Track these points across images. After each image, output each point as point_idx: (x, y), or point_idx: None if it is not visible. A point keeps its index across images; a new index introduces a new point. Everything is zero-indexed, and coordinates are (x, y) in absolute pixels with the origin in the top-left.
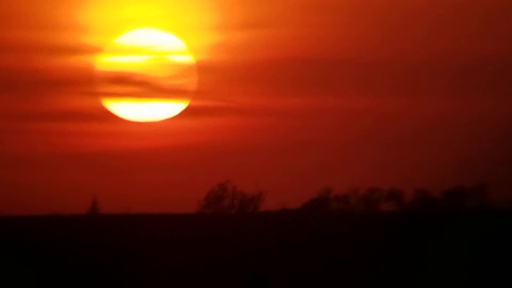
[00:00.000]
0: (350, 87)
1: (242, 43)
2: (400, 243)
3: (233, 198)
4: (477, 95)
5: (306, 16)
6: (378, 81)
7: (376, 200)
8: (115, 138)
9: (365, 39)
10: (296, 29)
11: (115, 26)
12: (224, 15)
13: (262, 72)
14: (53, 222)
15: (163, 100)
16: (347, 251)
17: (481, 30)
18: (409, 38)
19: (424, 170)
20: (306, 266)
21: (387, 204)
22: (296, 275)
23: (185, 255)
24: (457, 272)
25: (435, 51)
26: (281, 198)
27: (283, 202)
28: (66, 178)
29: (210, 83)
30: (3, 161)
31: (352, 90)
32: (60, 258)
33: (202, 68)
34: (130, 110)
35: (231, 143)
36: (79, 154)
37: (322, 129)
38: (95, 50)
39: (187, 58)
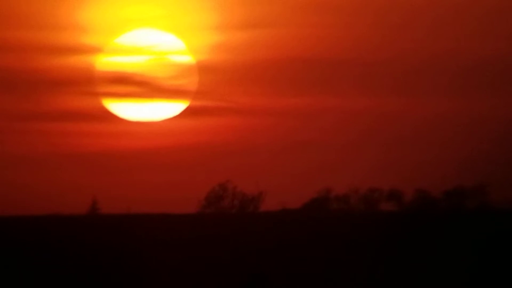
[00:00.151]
0: (350, 87)
1: (242, 43)
2: (400, 243)
3: (233, 198)
4: (477, 95)
5: (306, 16)
6: (378, 81)
7: (376, 200)
8: (115, 138)
9: (365, 39)
10: (296, 29)
11: (115, 26)
12: (224, 15)
13: (262, 72)
14: (53, 222)
15: (163, 100)
16: (347, 251)
17: (481, 30)
18: (409, 38)
19: (424, 170)
20: (306, 266)
21: (387, 204)
22: (296, 275)
23: (185, 255)
24: (457, 272)
25: (435, 51)
26: (281, 198)
27: (283, 202)
28: (66, 178)
29: (210, 83)
30: (3, 161)
31: (352, 90)
32: (60, 258)
33: (202, 68)
34: (130, 110)
35: (231, 143)
36: (79, 154)
37: (322, 129)
38: (95, 50)
39: (187, 58)
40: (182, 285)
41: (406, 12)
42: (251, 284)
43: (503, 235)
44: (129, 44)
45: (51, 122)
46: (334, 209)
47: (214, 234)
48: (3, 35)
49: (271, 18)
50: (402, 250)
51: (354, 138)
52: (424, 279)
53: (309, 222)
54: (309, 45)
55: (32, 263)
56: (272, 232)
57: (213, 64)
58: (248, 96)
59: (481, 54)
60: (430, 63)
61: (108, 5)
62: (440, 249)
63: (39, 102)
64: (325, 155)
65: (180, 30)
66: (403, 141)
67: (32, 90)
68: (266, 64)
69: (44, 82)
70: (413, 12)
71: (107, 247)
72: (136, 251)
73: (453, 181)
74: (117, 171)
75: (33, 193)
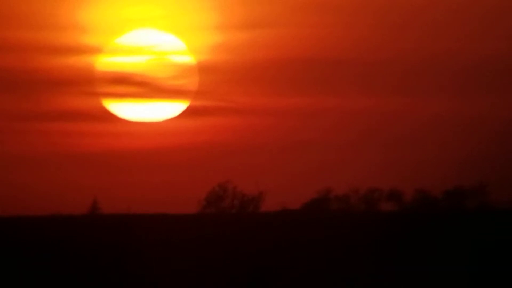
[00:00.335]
0: (350, 87)
1: (242, 43)
2: (400, 243)
3: (233, 198)
4: (477, 95)
5: (306, 16)
6: (378, 81)
7: (376, 200)
8: (115, 138)
9: (365, 39)
10: (296, 29)
11: (116, 26)
12: (224, 15)
13: (262, 72)
14: (53, 222)
15: (163, 100)
16: (347, 251)
17: (481, 30)
18: (409, 38)
19: (424, 170)
20: (306, 266)
21: (387, 204)
22: (296, 275)
23: (185, 255)
24: (457, 272)
25: (435, 51)
26: (281, 198)
27: (283, 202)
28: (66, 178)
29: (210, 83)
30: (3, 161)
31: (352, 90)
32: (60, 258)
33: (202, 68)
34: (130, 110)
35: (231, 143)
36: (79, 154)
37: (322, 129)
38: (95, 50)
39: (188, 58)
40: (182, 285)
41: (406, 12)
42: (251, 284)
43: (503, 235)
44: (130, 44)
45: (51, 122)
46: (334, 209)
47: (214, 234)
48: (3, 35)
49: (271, 18)
50: (402, 250)
51: (354, 138)
52: (424, 279)
53: (309, 222)
54: (309, 45)
55: (32, 263)
56: (272, 232)
57: (213, 64)
58: (248, 96)
59: (481, 54)
60: (430, 63)
61: (108, 5)
62: (440, 249)
63: (39, 102)
64: (325, 155)
65: (181, 30)
66: (403, 141)
67: (32, 90)
68: (266, 64)
69: (44, 82)
70: (413, 12)
71: (107, 247)
72: (136, 251)
73: (453, 181)
74: (117, 171)
75: (33, 193)
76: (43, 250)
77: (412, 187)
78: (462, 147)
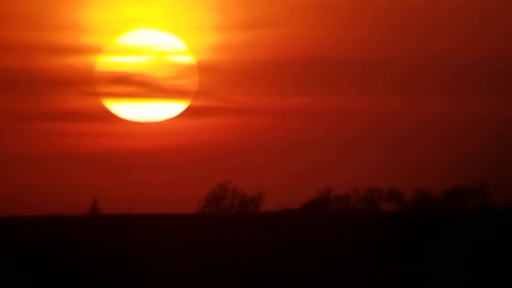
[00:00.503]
0: (350, 87)
1: (242, 43)
2: (400, 243)
3: (233, 198)
4: (477, 95)
5: (306, 16)
6: (378, 81)
7: (376, 200)
8: (115, 138)
9: (365, 39)
10: (296, 29)
11: (116, 26)
12: (224, 15)
13: (262, 72)
14: (53, 222)
15: (163, 100)
16: (347, 251)
17: (481, 30)
18: (409, 38)
19: (424, 170)
20: (306, 266)
21: (387, 204)
22: (296, 275)
23: (185, 255)
24: (457, 272)
25: (435, 51)
26: (281, 198)
27: (283, 202)
28: (66, 178)
29: (210, 83)
30: (3, 161)
31: (352, 90)
32: (60, 258)
33: (202, 68)
34: (130, 110)
35: (231, 143)
36: (79, 154)
37: (322, 129)
38: (96, 50)
39: (188, 59)
40: (182, 285)
41: (406, 12)
42: (251, 284)
43: (503, 235)
44: (130, 44)
45: (51, 122)
46: (334, 209)
47: (214, 234)
48: (3, 35)
49: (271, 18)
50: (402, 250)
51: (354, 138)
52: (424, 279)
53: (309, 222)
54: (309, 45)
55: (32, 263)
56: (272, 232)
57: (213, 64)
58: (248, 96)
59: (481, 54)
60: (430, 63)
61: (109, 6)
62: (440, 249)
63: (39, 102)
64: (325, 155)
65: (181, 30)
66: (403, 141)
67: (32, 90)
68: (266, 64)
69: (44, 82)
70: (413, 12)
71: (107, 247)
72: (136, 251)
73: (453, 181)
74: (117, 171)
75: (33, 193)
76: (43, 250)
77: (412, 187)
78: (462, 147)
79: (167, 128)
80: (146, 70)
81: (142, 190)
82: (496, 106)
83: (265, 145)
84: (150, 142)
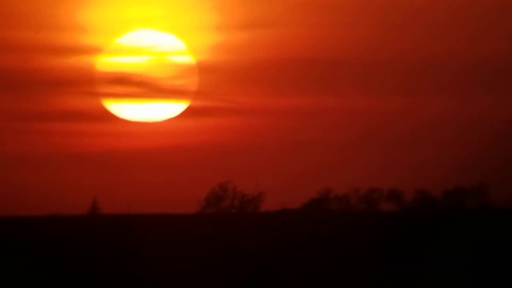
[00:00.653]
0: (350, 87)
1: (242, 43)
2: (400, 243)
3: (233, 198)
4: (477, 95)
5: (306, 16)
6: (378, 81)
7: (376, 200)
8: (115, 138)
9: (365, 39)
10: (296, 29)
11: (116, 26)
12: (224, 15)
13: (262, 72)
14: (53, 222)
15: (163, 100)
16: (347, 251)
17: (481, 30)
18: (409, 38)
19: (424, 170)
20: (306, 266)
21: (387, 204)
22: (296, 275)
23: (185, 255)
24: (457, 272)
25: (435, 51)
26: (281, 198)
27: (283, 202)
28: (66, 178)
29: (210, 83)
30: (3, 161)
31: (352, 90)
32: (60, 258)
33: (202, 69)
34: (130, 110)
35: (231, 143)
36: (79, 154)
37: (322, 129)
38: (96, 50)
39: (188, 59)
40: (182, 285)
41: (406, 12)
42: (251, 284)
43: (503, 235)
44: (130, 44)
45: (51, 122)
46: (334, 209)
47: (214, 234)
48: (3, 35)
49: (271, 18)
50: (402, 250)
51: (354, 138)
52: (424, 279)
53: (309, 222)
54: (309, 45)
55: (32, 263)
56: (272, 232)
57: (213, 64)
58: (248, 96)
59: (481, 54)
60: (430, 63)
61: (109, 6)
62: (440, 249)
63: (39, 102)
64: (325, 155)
65: (180, 31)
66: (403, 141)
67: (32, 90)
68: (266, 64)
69: (44, 82)
70: (413, 12)
71: (107, 247)
72: (136, 251)
73: (453, 181)
74: (117, 171)
75: (33, 193)
76: (43, 250)
77: (412, 187)
78: (462, 147)
79: (167, 128)
80: (146, 70)
81: (142, 190)
82: (496, 106)
83: (265, 145)
84: (150, 142)
